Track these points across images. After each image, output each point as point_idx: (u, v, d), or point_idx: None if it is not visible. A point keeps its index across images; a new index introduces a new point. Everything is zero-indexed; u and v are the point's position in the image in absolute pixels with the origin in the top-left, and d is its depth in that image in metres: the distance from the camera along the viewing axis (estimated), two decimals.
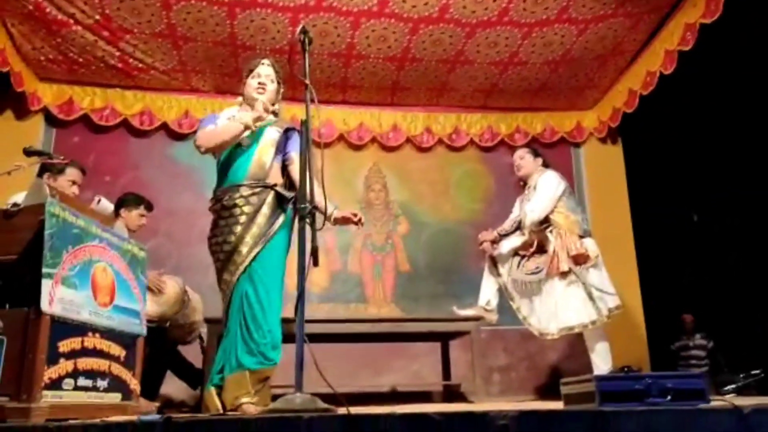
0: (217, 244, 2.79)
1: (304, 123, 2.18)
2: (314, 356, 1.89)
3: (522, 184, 4.14)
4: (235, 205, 2.75)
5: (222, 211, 2.79)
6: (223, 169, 2.89)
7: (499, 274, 4.05)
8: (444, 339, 4.55)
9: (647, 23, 4.64)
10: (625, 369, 1.68)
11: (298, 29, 2.23)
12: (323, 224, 2.12)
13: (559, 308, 3.72)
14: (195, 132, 5.25)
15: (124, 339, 2.68)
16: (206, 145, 2.80)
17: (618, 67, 5.22)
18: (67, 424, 1.41)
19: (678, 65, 4.49)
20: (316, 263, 2.00)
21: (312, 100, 2.26)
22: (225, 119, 2.85)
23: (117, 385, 2.60)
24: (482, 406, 1.65)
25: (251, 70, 2.92)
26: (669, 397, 1.59)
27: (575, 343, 4.90)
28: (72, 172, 3.38)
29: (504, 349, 5.44)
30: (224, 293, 2.78)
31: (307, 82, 2.19)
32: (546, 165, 4.06)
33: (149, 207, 3.98)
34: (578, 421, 1.52)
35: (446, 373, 4.62)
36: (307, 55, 2.24)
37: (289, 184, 2.87)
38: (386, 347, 4.97)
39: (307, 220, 2.06)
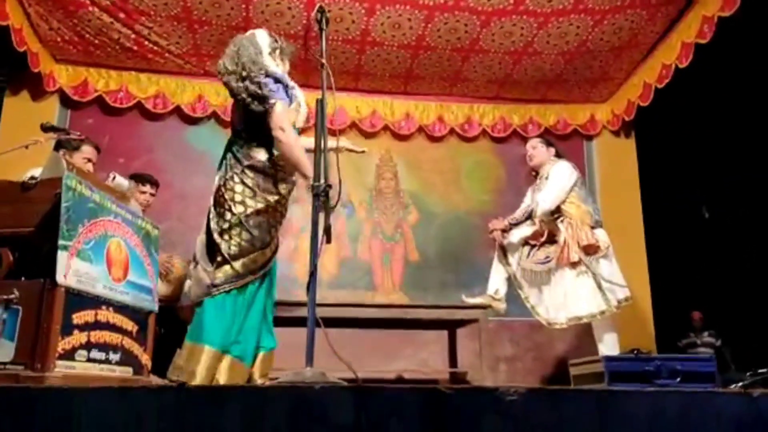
0: (282, 215, 2.77)
1: (320, 102, 2.20)
2: (325, 331, 1.91)
3: (534, 174, 4.14)
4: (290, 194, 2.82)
5: (290, 184, 2.78)
6: None
7: (508, 263, 4.06)
8: (452, 327, 4.56)
9: (665, 15, 4.61)
10: (635, 351, 1.69)
11: (316, 8, 2.24)
12: (336, 203, 2.13)
13: (569, 298, 3.73)
14: (208, 117, 5.43)
15: (137, 314, 2.71)
16: (291, 140, 2.65)
17: (633, 59, 5.18)
18: (83, 387, 1.44)
19: (694, 58, 4.45)
20: (329, 240, 2.02)
21: (329, 86, 2.28)
22: (291, 88, 2.79)
23: (129, 359, 2.63)
24: None
25: (289, 53, 2.97)
26: (678, 379, 1.60)
27: (582, 336, 4.89)
28: (87, 150, 3.41)
29: (510, 340, 5.45)
30: (253, 260, 2.68)
31: (324, 60, 2.20)
32: (558, 155, 4.06)
33: (148, 182, 4.05)
34: (587, 400, 1.53)
35: (453, 361, 4.64)
36: (324, 35, 2.24)
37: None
38: (394, 334, 4.99)
39: (321, 199, 2.07)
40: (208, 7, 4.53)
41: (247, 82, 2.74)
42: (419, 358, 5.20)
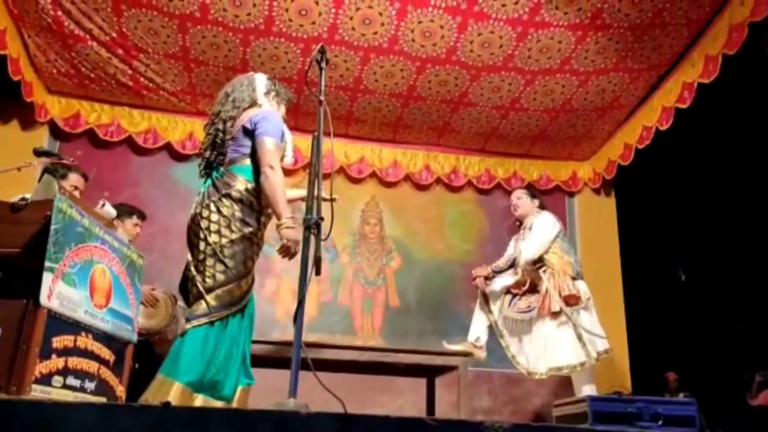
0: (258, 247, 2.74)
1: (316, 137, 2.25)
2: (311, 365, 1.90)
3: (518, 224, 4.22)
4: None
5: (266, 217, 2.78)
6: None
7: (490, 311, 4.09)
8: (430, 374, 4.51)
9: (646, 80, 4.81)
10: (618, 393, 1.71)
11: (317, 48, 2.32)
12: (328, 235, 2.16)
13: (549, 348, 3.75)
14: (198, 155, 5.46)
15: (115, 344, 2.67)
16: (277, 179, 2.64)
17: (616, 120, 5.37)
18: (66, 402, 1.42)
19: (675, 121, 4.62)
20: (318, 272, 2.03)
21: (327, 123, 2.34)
22: (284, 130, 2.83)
23: (104, 389, 2.58)
24: None
25: (286, 99, 3.03)
26: (660, 422, 1.62)
27: (560, 390, 4.88)
28: (74, 178, 3.42)
29: (488, 392, 5.41)
30: (228, 292, 2.62)
31: (322, 98, 2.26)
32: (542, 206, 4.15)
33: (141, 216, 4.11)
34: None
35: (430, 410, 4.56)
36: (323, 73, 2.32)
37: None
38: (371, 381, 4.92)
39: (313, 231, 2.10)
40: (206, 48, 4.63)
41: (236, 112, 2.80)
42: (395, 406, 5.13)
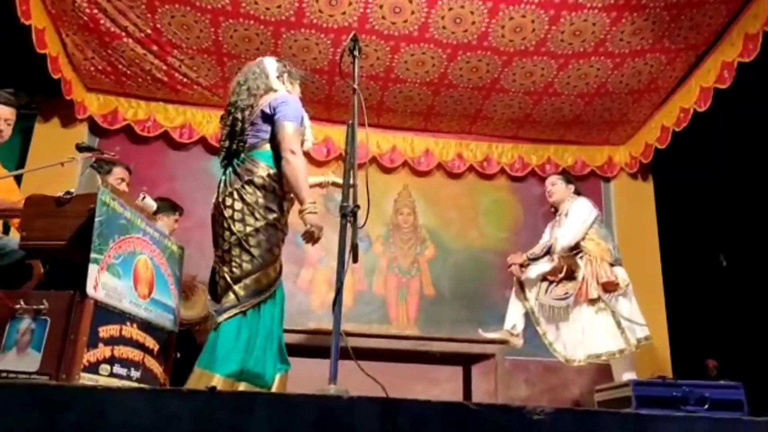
0: (283, 233, 2.73)
1: (351, 126, 2.26)
2: (351, 350, 1.92)
3: (553, 211, 4.17)
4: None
5: (288, 203, 2.77)
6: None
7: (526, 299, 4.05)
8: (467, 363, 4.50)
9: (683, 60, 4.69)
10: (662, 377, 1.68)
11: (350, 37, 2.32)
12: (365, 222, 2.17)
13: (587, 335, 3.70)
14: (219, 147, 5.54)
15: (159, 333, 2.74)
16: (299, 164, 2.65)
17: (652, 103, 5.25)
18: (115, 387, 1.46)
19: (713, 101, 4.49)
20: (355, 259, 2.05)
21: (362, 111, 2.36)
22: (303, 115, 2.83)
23: (148, 377, 2.65)
24: None
25: (299, 77, 3.00)
26: (706, 406, 1.59)
27: (599, 380, 4.82)
28: (118, 171, 3.51)
29: (525, 381, 5.38)
30: (256, 281, 2.61)
31: (356, 86, 2.27)
32: (578, 192, 4.09)
33: (182, 213, 4.19)
34: (614, 423, 1.52)
35: (467, 399, 4.56)
36: (356, 62, 2.32)
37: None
38: (406, 370, 4.91)
39: (349, 219, 2.11)
40: (238, 42, 4.67)
41: (253, 100, 2.78)
42: (431, 395, 5.14)
